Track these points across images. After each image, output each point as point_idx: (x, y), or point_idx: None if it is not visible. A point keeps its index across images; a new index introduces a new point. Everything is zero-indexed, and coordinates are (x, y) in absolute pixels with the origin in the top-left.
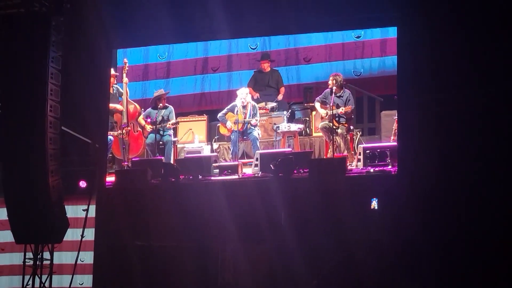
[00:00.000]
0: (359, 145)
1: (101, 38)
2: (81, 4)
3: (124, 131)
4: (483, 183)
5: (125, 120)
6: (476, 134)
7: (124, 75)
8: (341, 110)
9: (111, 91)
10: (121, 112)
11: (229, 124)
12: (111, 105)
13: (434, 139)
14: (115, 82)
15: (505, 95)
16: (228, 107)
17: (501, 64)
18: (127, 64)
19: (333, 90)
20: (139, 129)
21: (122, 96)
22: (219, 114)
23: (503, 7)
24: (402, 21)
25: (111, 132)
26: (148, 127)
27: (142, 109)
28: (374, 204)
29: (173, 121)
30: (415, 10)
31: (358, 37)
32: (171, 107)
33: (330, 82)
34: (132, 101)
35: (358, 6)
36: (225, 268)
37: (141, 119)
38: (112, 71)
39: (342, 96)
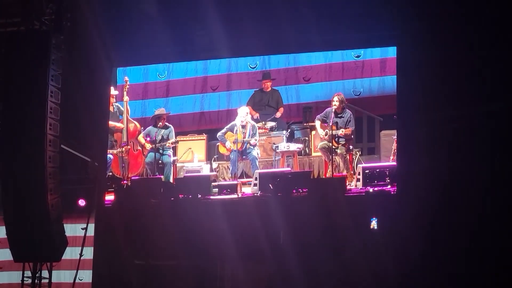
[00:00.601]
0: (359, 165)
1: (101, 56)
2: (81, 22)
3: (123, 149)
4: (483, 201)
5: (125, 139)
6: (476, 152)
7: (125, 93)
8: (341, 132)
9: (111, 109)
10: (121, 131)
11: (228, 144)
12: (112, 124)
13: (433, 158)
14: (115, 100)
15: (505, 113)
16: (228, 126)
17: (500, 82)
18: (128, 82)
19: (334, 110)
20: (139, 147)
21: (123, 115)
22: (219, 134)
23: (502, 25)
24: (401, 40)
25: (111, 151)
26: (148, 146)
27: (142, 128)
28: (374, 223)
29: (173, 140)
30: (415, 29)
31: (358, 56)
32: (171, 127)
33: (335, 102)
34: (133, 120)
35: (358, 25)
36: (224, 286)
37: (141, 138)
38: (112, 90)
39: (343, 117)
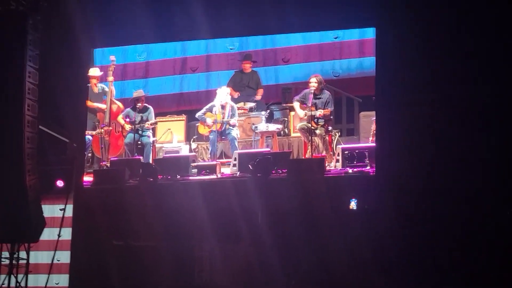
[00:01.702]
0: (338, 146)
1: (80, 37)
2: (59, 2)
3: (102, 130)
4: (460, 182)
5: (107, 120)
6: (454, 134)
7: (110, 73)
8: (320, 112)
9: (95, 90)
10: (104, 112)
11: (209, 120)
12: (95, 104)
13: (412, 139)
14: (97, 81)
15: (483, 95)
16: (207, 106)
17: (479, 64)
18: (114, 62)
19: (313, 91)
20: (120, 129)
21: (107, 95)
22: (198, 114)
23: (480, 7)
24: (380, 22)
25: (92, 132)
26: (127, 127)
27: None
28: (353, 204)
29: (152, 121)
30: (393, 11)
31: (336, 37)
32: (150, 108)
33: (313, 83)
34: (116, 101)
35: (336, 6)
36: (202, 267)
37: (120, 118)
38: (98, 72)
39: (322, 98)
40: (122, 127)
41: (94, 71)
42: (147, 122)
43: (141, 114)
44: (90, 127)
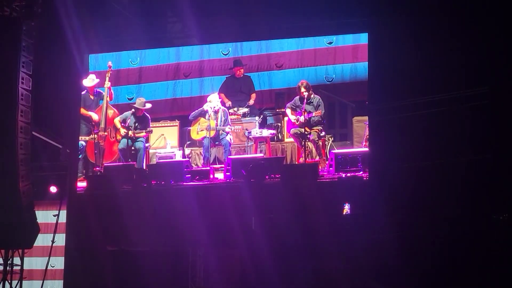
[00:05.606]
0: (331, 151)
1: (73, 43)
2: (53, 9)
3: (95, 136)
4: (453, 186)
5: (102, 125)
6: (446, 138)
7: (107, 78)
8: (314, 114)
9: (91, 97)
10: (97, 124)
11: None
12: (88, 112)
13: (405, 144)
14: (93, 89)
15: (475, 99)
16: (198, 111)
17: (470, 69)
18: (111, 68)
19: (303, 97)
20: (115, 134)
21: (103, 99)
22: (190, 116)
23: (470, 14)
24: (373, 27)
25: (86, 137)
26: (122, 131)
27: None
28: (347, 209)
29: (148, 129)
30: (386, 17)
31: (330, 43)
32: (148, 117)
33: (303, 90)
34: (112, 107)
35: (330, 12)
36: (196, 272)
37: (117, 121)
38: (91, 82)
39: (313, 102)
40: (117, 131)
41: (90, 82)
42: (143, 131)
43: (137, 122)
44: (84, 132)
